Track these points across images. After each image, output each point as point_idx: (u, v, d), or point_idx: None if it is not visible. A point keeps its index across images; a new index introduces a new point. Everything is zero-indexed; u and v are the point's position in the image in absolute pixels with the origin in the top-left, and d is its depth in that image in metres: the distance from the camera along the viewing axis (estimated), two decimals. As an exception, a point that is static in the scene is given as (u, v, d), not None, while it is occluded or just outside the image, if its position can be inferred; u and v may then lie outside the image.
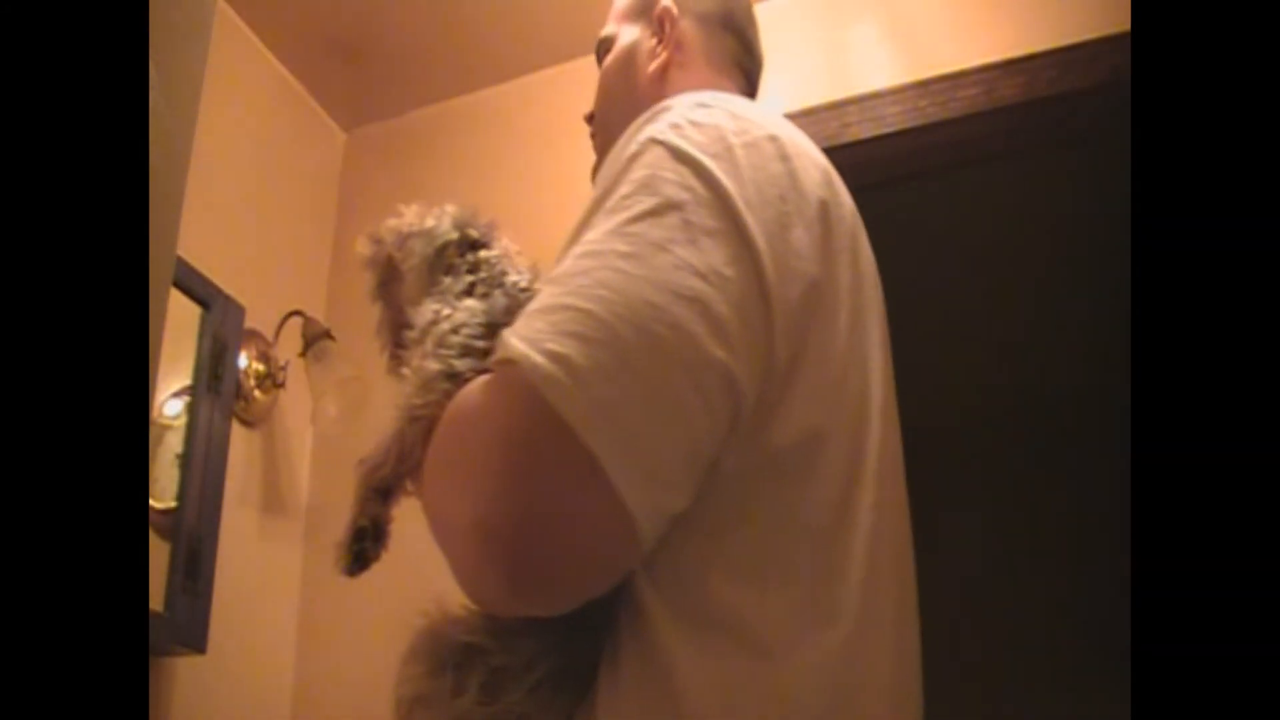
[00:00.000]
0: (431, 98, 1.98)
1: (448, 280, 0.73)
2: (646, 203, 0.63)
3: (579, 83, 1.40)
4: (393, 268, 0.80)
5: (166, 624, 1.32)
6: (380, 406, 1.37)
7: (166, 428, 1.42)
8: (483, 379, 0.62)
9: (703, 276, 0.60)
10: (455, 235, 0.76)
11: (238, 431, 1.57)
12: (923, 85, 1.59)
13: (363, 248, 0.82)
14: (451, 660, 0.66)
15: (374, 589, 1.43)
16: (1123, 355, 0.74)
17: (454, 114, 1.97)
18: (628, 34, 0.99)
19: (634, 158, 0.66)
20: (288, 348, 1.67)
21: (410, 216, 0.82)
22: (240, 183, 1.71)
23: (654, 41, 0.97)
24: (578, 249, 0.63)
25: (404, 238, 0.79)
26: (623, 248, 0.60)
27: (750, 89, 1.00)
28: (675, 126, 0.67)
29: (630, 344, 0.57)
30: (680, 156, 0.65)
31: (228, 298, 1.54)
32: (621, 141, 0.70)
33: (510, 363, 0.57)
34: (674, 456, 0.59)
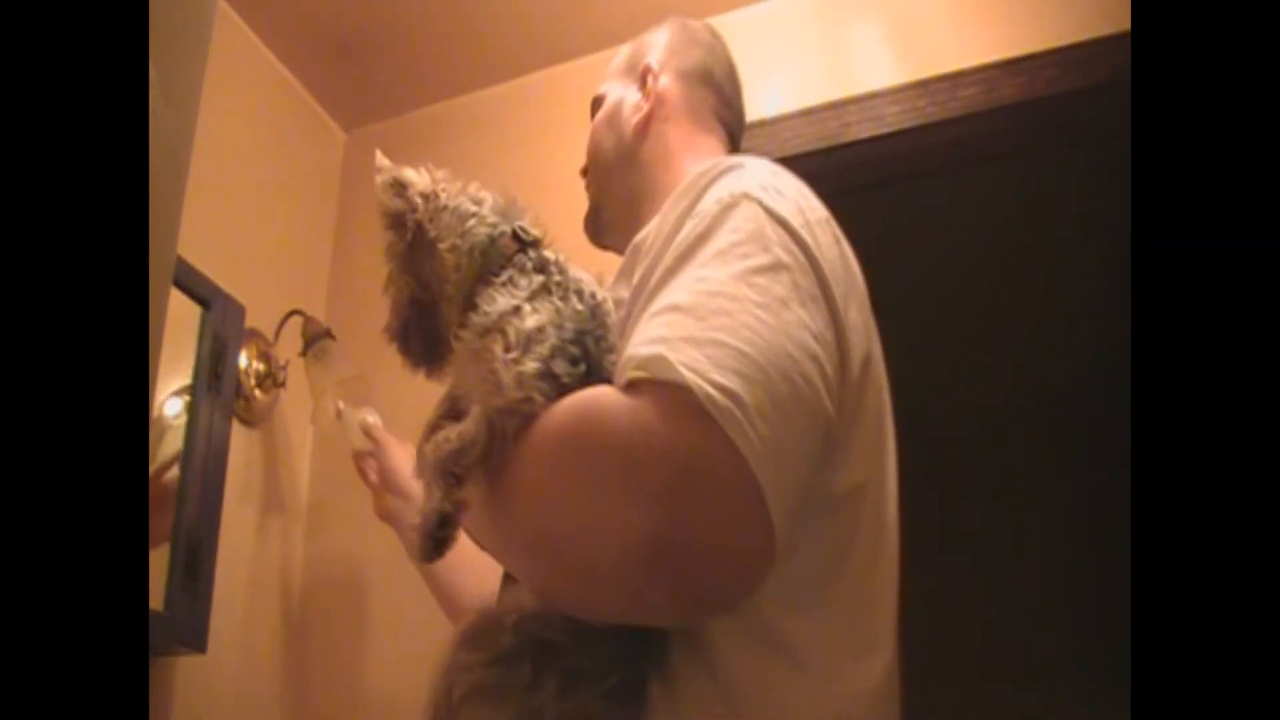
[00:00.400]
0: (431, 98, 1.98)
1: (511, 273, 0.74)
2: (762, 258, 0.69)
3: (579, 83, 1.40)
4: (420, 233, 0.78)
5: (166, 624, 1.32)
6: (390, 398, 1.37)
7: (166, 427, 1.42)
8: (626, 395, 0.64)
9: (815, 337, 0.67)
10: (508, 228, 0.77)
11: (238, 431, 1.57)
12: (923, 85, 1.59)
13: (387, 199, 0.80)
14: (527, 654, 0.68)
15: (374, 589, 1.43)
16: (1123, 356, 0.75)
17: (454, 114, 1.97)
18: (615, 91, 1.09)
19: (729, 208, 0.72)
20: (288, 348, 1.67)
21: (438, 181, 0.81)
22: (240, 183, 1.71)
23: (638, 96, 1.05)
24: (700, 284, 0.67)
25: (437, 209, 0.78)
26: (755, 296, 0.66)
27: (731, 140, 1.09)
28: (764, 188, 0.74)
29: (779, 390, 0.63)
30: (776, 219, 0.72)
31: (228, 297, 1.54)
32: (693, 190, 0.77)
33: (678, 387, 0.61)
34: (800, 492, 0.66)
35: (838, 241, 0.77)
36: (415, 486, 1.30)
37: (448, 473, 0.68)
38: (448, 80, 1.94)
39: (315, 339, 1.61)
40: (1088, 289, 2.47)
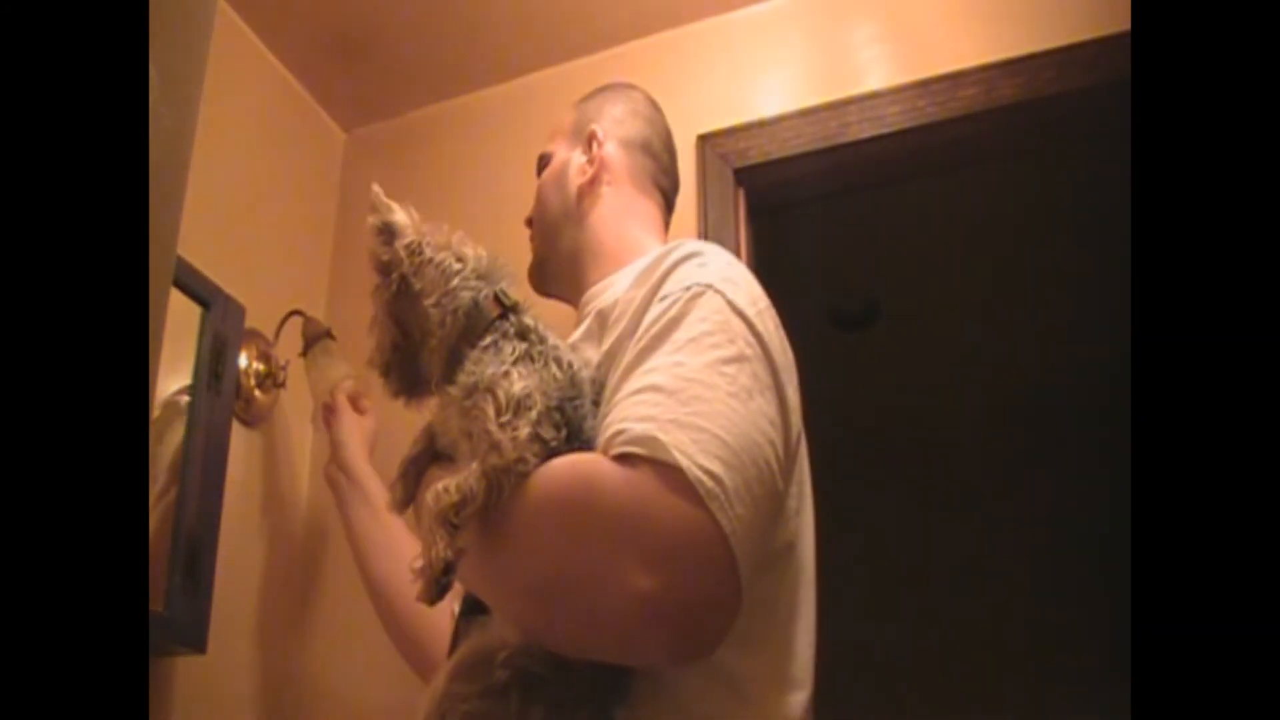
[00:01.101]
0: (431, 98, 1.97)
1: (495, 338, 0.82)
2: (729, 349, 0.79)
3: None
4: (404, 284, 0.85)
5: (166, 624, 1.32)
6: (387, 410, 1.40)
7: (166, 427, 1.42)
8: (621, 466, 0.73)
9: (772, 424, 0.78)
10: (490, 291, 0.85)
11: (238, 431, 1.57)
12: (923, 85, 1.59)
13: (376, 246, 0.87)
14: (516, 686, 0.77)
15: (374, 589, 1.42)
16: (1123, 356, 0.75)
17: (454, 114, 1.97)
18: (562, 152, 1.18)
19: (696, 297, 0.82)
20: (288, 348, 1.67)
21: (423, 233, 0.87)
22: (240, 183, 1.71)
23: (584, 159, 1.15)
24: (678, 369, 0.77)
25: (422, 263, 0.85)
26: (726, 386, 0.76)
27: (668, 204, 1.21)
28: (725, 280, 0.84)
29: (750, 475, 0.74)
30: (736, 311, 0.82)
31: (228, 298, 1.53)
32: (657, 270, 0.87)
33: (671, 467, 0.71)
34: (760, 556, 0.77)
35: (778, 327, 0.87)
36: (359, 463, 1.43)
37: (448, 522, 0.74)
38: (448, 80, 1.93)
39: (315, 339, 1.61)
40: (1088, 289, 2.47)
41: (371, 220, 0.87)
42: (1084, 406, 2.76)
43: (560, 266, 1.15)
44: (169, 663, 1.39)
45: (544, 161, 1.20)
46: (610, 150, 1.15)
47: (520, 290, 0.89)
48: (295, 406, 1.73)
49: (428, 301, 0.84)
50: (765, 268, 1.65)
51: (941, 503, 3.04)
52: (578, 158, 1.16)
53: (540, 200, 1.18)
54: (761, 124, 1.67)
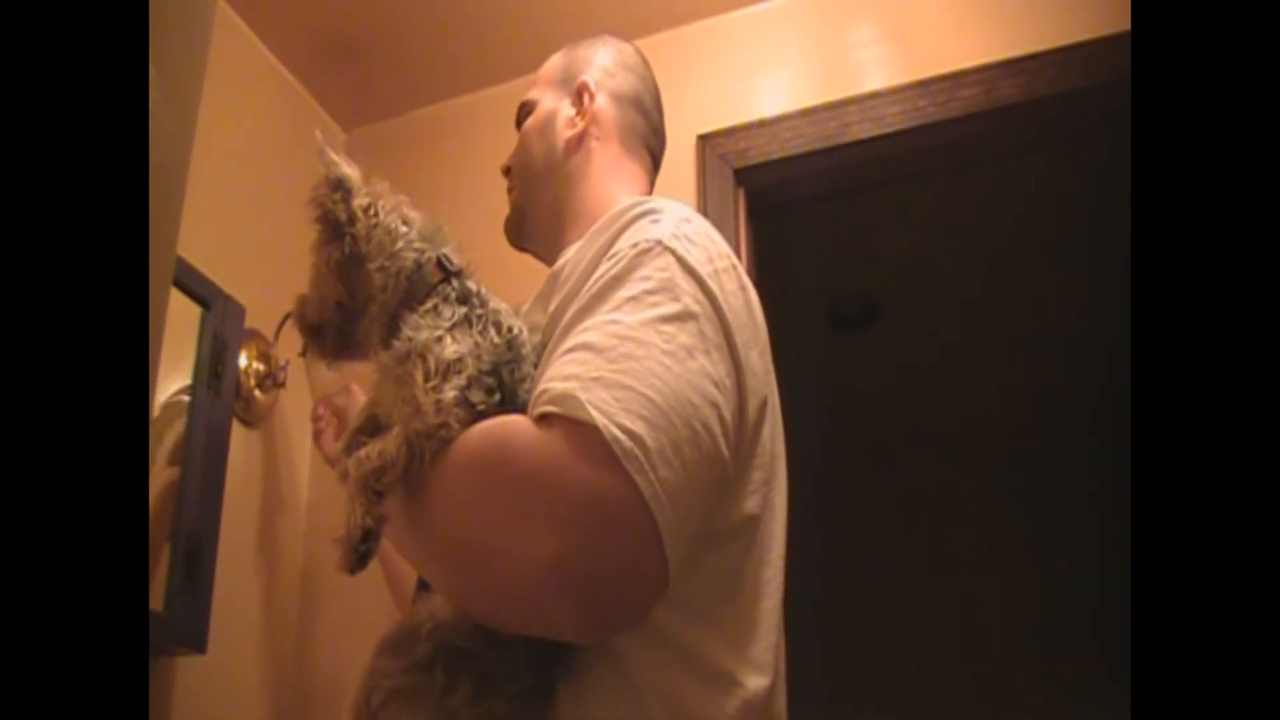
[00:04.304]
0: (431, 98, 1.98)
1: (435, 302, 0.79)
2: (671, 307, 0.74)
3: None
4: (354, 245, 0.82)
5: (166, 624, 1.32)
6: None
7: (167, 427, 1.42)
8: (535, 426, 0.70)
9: (717, 385, 0.73)
10: (434, 254, 0.82)
11: (238, 431, 1.57)
12: (923, 85, 1.59)
13: (328, 201, 0.83)
14: (441, 660, 0.73)
15: (373, 589, 1.43)
16: (1123, 355, 0.75)
17: (454, 114, 1.97)
18: (549, 101, 1.11)
19: (644, 253, 0.77)
20: (288, 348, 1.67)
21: (376, 195, 0.84)
22: (240, 182, 1.71)
23: (573, 111, 1.08)
24: (612, 326, 0.73)
25: (371, 226, 0.82)
26: (662, 344, 0.72)
27: (655, 164, 1.14)
28: (677, 237, 0.79)
29: (680, 436, 0.69)
30: (687, 269, 0.77)
31: (228, 298, 1.53)
32: (609, 229, 0.83)
33: (587, 426, 0.66)
34: (694, 527, 0.72)
35: (743, 289, 0.83)
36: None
37: (369, 489, 0.73)
38: (448, 80, 1.94)
39: (315, 339, 1.60)
40: (1088, 289, 2.47)
41: (326, 172, 0.83)
42: (1083, 406, 2.76)
43: (538, 222, 1.09)
44: (169, 663, 1.39)
45: (526, 109, 1.12)
46: (601, 103, 1.08)
47: (477, 252, 0.86)
48: (295, 406, 1.73)
49: (372, 265, 0.81)
50: (765, 268, 1.65)
51: (940, 502, 3.04)
52: (566, 109, 1.09)
53: (522, 149, 1.11)
54: (761, 124, 1.67)
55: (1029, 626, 2.87)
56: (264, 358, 1.65)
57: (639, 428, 0.67)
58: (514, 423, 0.72)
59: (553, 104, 1.10)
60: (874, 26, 1.69)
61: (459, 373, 0.74)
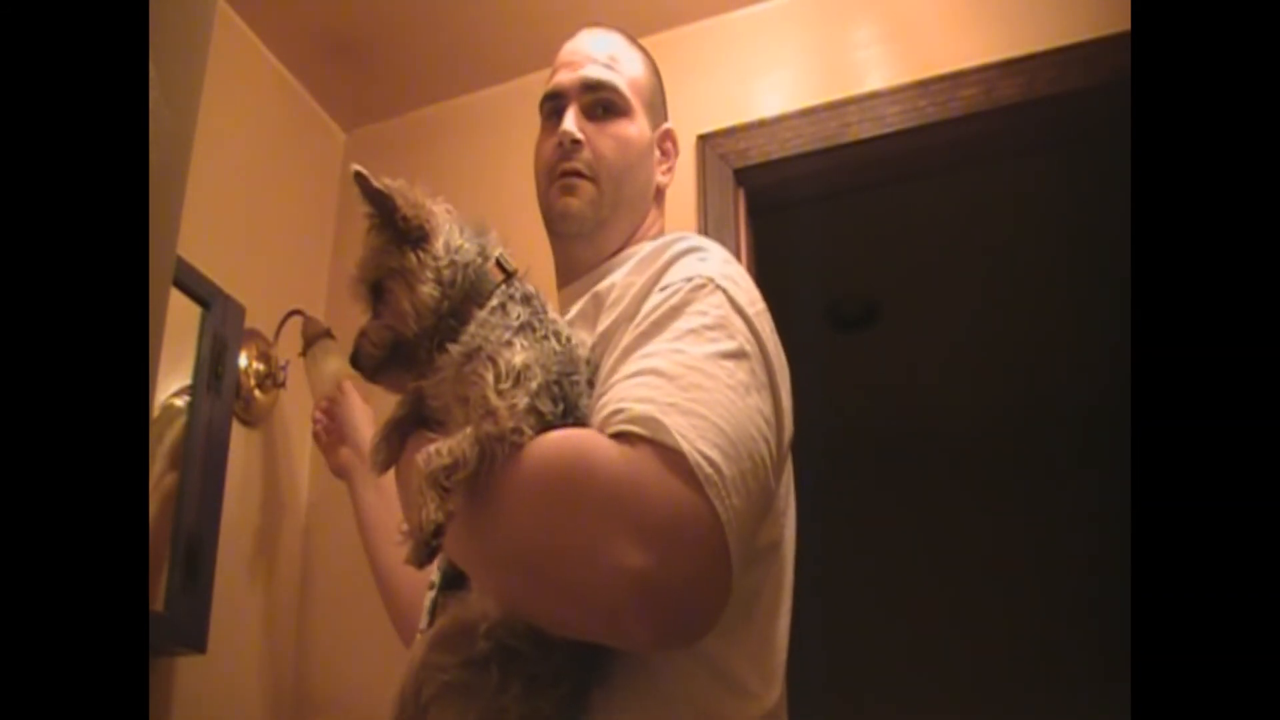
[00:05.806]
0: (431, 98, 1.97)
1: (500, 300, 0.82)
2: (729, 344, 0.79)
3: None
4: (421, 245, 0.84)
5: (166, 624, 1.32)
6: (387, 397, 1.42)
7: (166, 427, 1.42)
8: (619, 444, 0.72)
9: (767, 422, 0.78)
10: (494, 253, 0.85)
11: (238, 431, 1.57)
12: (923, 85, 1.59)
13: (406, 207, 0.86)
14: (496, 659, 0.76)
15: (372, 589, 1.42)
16: (1122, 355, 0.75)
17: (454, 114, 1.97)
18: (644, 124, 1.10)
19: (699, 289, 0.82)
20: (288, 348, 1.67)
21: (421, 195, 0.87)
22: (240, 183, 1.71)
23: (663, 163, 1.14)
24: (678, 356, 0.77)
25: (430, 224, 0.85)
26: (725, 379, 0.76)
27: None
28: (726, 277, 0.84)
29: (745, 466, 0.73)
30: (736, 309, 0.82)
31: (228, 298, 1.53)
32: (657, 259, 0.87)
33: (671, 449, 0.70)
34: (745, 553, 0.75)
35: (773, 332, 0.87)
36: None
37: (439, 485, 0.73)
38: (448, 80, 1.94)
39: (315, 339, 1.61)
40: (1087, 289, 2.47)
41: (388, 182, 0.87)
42: (1083, 406, 2.76)
43: (601, 224, 1.05)
44: (169, 663, 1.39)
45: (622, 103, 1.07)
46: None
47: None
48: (295, 406, 1.73)
49: (440, 261, 0.83)
50: (765, 268, 1.65)
51: (940, 502, 3.04)
52: (657, 154, 1.12)
53: (624, 162, 1.06)
54: (761, 124, 1.67)
55: (1029, 626, 2.87)
56: (264, 358, 1.65)
57: (716, 456, 0.71)
58: (591, 436, 0.75)
59: (648, 132, 1.10)
60: (874, 26, 1.69)
61: (529, 380, 0.76)
